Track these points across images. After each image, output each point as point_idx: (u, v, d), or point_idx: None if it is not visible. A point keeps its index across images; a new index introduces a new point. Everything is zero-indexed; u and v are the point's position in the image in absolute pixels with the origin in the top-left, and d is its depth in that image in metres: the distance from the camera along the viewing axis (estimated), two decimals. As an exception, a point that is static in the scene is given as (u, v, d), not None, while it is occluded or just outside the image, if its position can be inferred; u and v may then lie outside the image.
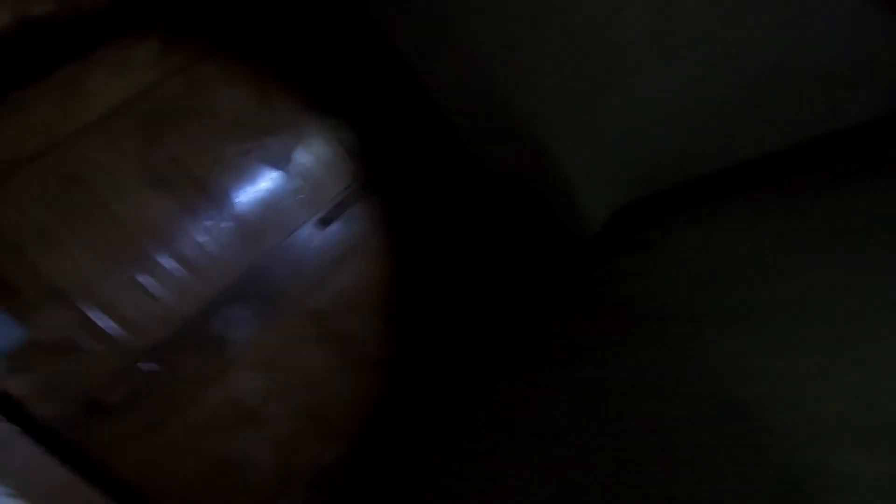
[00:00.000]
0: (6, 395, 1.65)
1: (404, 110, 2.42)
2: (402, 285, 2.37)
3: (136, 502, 1.75)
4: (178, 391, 1.89)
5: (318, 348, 2.17)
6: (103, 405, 1.76)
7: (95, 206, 1.78)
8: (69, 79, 1.83)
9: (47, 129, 1.75)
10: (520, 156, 2.12)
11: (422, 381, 2.44)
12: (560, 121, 2.00)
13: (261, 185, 2.09)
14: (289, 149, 2.15)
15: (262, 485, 2.02)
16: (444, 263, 2.46)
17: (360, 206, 2.31)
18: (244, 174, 2.05)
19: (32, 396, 1.68)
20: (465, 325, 2.50)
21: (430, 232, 2.45)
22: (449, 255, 2.46)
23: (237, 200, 2.03)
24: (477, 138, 2.15)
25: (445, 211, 2.42)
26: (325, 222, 2.23)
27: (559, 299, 2.07)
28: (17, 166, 1.69)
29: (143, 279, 1.84)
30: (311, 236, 2.19)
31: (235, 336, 2.00)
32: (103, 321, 1.78)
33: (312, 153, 2.20)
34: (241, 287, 2.02)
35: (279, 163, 2.13)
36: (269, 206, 2.10)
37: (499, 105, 2.03)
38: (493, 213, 2.34)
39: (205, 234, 1.95)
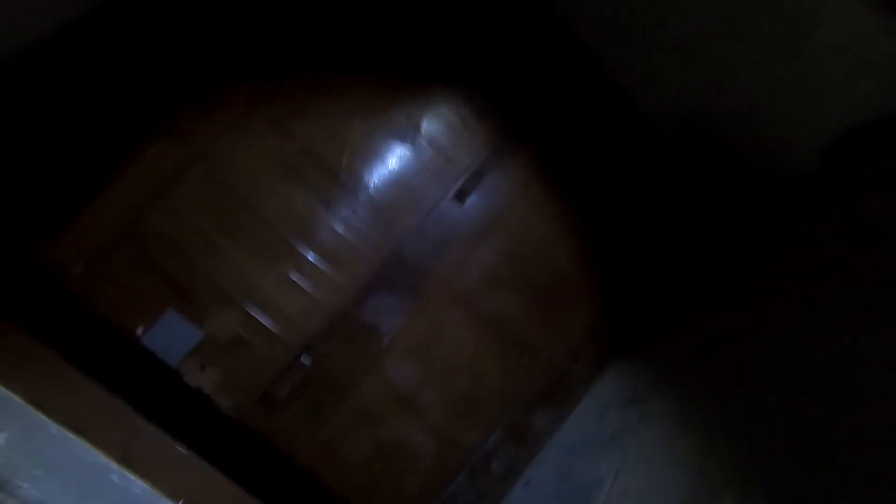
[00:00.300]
0: (199, 390, 1.80)
1: (540, 67, 2.06)
2: (554, 255, 2.10)
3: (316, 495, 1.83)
4: (336, 381, 1.91)
5: (468, 332, 2.03)
6: (273, 397, 1.84)
7: (243, 208, 1.81)
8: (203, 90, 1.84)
9: (195, 137, 1.78)
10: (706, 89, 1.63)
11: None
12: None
13: (392, 165, 1.95)
14: (416, 119, 1.96)
15: (427, 469, 2.00)
16: (606, 227, 2.11)
17: (497, 172, 2.06)
18: (374, 155, 1.92)
19: (217, 391, 1.81)
20: (644, 295, 2.15)
21: (582, 193, 2.11)
22: (612, 216, 2.10)
23: (370, 184, 1.92)
24: (650, 86, 1.70)
25: (603, 168, 2.05)
26: (461, 195, 2.03)
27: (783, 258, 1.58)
28: (173, 177, 1.77)
29: (294, 276, 1.85)
30: (448, 212, 2.02)
31: (385, 324, 1.95)
32: (264, 319, 1.83)
33: (441, 121, 1.99)
34: (385, 274, 1.95)
35: (407, 137, 1.96)
36: (403, 186, 1.96)
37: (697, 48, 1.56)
38: (662, 168, 1.91)
39: (343, 224, 1.89)
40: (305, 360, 1.86)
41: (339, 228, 1.89)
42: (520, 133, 2.09)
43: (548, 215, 2.13)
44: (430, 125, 1.98)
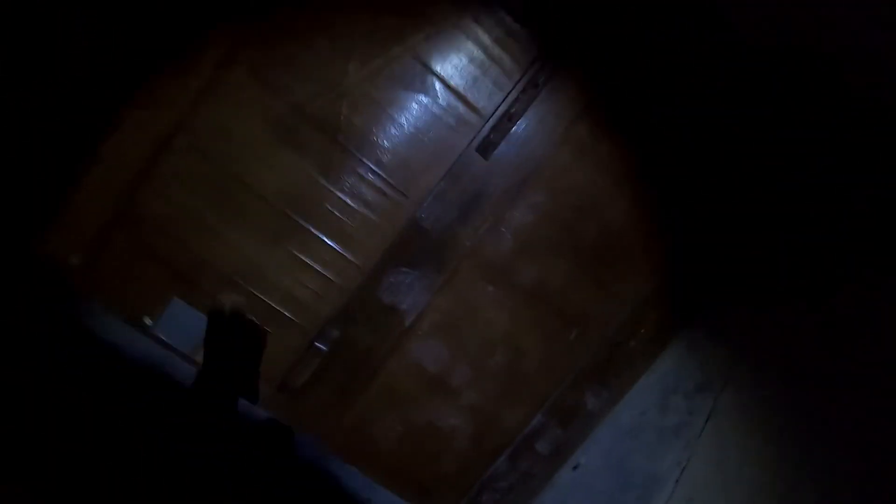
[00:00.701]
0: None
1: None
2: (605, 209, 1.74)
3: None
4: (358, 365, 1.75)
5: (503, 305, 1.77)
6: (293, 384, 1.72)
7: (235, 183, 1.59)
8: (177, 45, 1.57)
9: (171, 103, 1.55)
10: None
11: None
12: None
13: (401, 117, 1.62)
14: (424, 57, 1.60)
15: (464, 450, 1.85)
16: (672, 170, 1.71)
17: (531, 113, 1.68)
18: (377, 107, 1.60)
19: (234, 379, 1.70)
20: (717, 257, 1.78)
21: (642, 130, 1.70)
22: (681, 157, 1.69)
23: (377, 143, 1.62)
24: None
25: (680, 98, 1.61)
26: (487, 147, 1.69)
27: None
28: (156, 152, 1.57)
29: (301, 255, 1.65)
30: (473, 169, 1.69)
31: (406, 302, 1.73)
32: (274, 303, 1.67)
33: (456, 54, 1.61)
34: (403, 246, 1.69)
35: (416, 79, 1.61)
36: (416, 142, 1.64)
37: None
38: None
39: (351, 193, 1.63)
40: (322, 344, 1.70)
41: (347, 198, 1.64)
42: (560, 59, 1.67)
43: (597, 161, 1.74)
44: (443, 61, 1.61)
